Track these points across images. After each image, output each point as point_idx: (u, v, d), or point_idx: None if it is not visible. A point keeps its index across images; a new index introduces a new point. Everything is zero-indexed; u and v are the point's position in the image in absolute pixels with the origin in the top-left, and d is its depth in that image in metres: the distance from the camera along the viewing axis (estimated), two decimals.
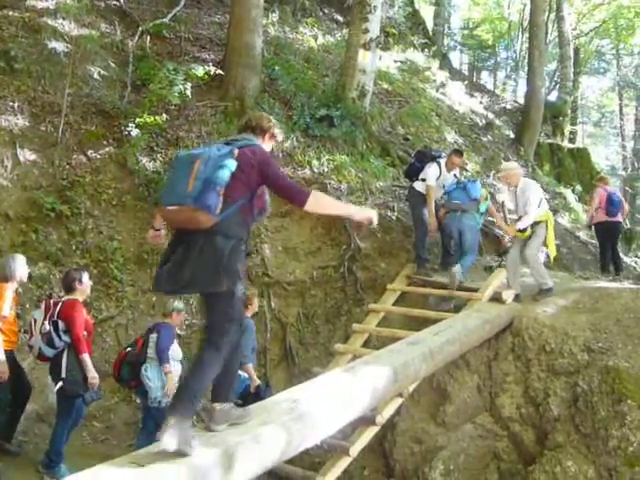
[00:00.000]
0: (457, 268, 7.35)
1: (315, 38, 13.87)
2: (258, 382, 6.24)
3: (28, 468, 5.43)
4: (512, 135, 15.67)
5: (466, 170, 10.66)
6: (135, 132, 8.03)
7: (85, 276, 5.67)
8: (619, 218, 9.71)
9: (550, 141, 16.94)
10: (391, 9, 15.73)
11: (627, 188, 22.56)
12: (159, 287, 3.38)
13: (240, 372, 5.55)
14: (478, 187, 7.85)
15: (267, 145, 3.66)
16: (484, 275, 7.97)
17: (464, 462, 6.15)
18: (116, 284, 7.29)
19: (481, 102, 17.37)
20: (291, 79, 10.83)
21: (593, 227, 10.04)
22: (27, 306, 6.51)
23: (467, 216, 7.71)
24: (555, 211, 11.18)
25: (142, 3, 11.49)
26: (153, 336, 5.73)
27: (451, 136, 13.09)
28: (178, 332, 6.15)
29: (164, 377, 5.63)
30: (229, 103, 9.55)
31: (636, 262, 11.85)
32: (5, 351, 5.22)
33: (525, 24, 22.91)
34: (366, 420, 5.71)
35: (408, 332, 6.54)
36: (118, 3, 10.90)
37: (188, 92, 8.48)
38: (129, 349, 5.86)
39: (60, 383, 5.31)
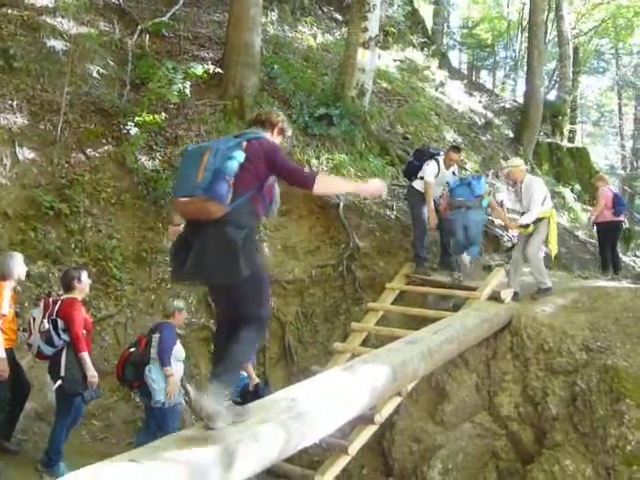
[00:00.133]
0: (466, 257, 7.50)
1: (314, 37, 13.87)
2: (257, 380, 6.24)
3: (27, 467, 5.43)
4: (511, 134, 15.68)
5: (464, 168, 10.66)
6: (134, 131, 8.02)
7: (84, 275, 5.66)
8: (622, 217, 9.83)
9: (549, 140, 16.94)
10: (390, 8, 15.74)
11: (626, 187, 22.57)
12: (179, 277, 3.52)
13: None
14: (482, 184, 7.86)
15: (275, 139, 3.73)
16: (483, 274, 7.98)
17: (463, 461, 6.16)
18: (115, 283, 7.29)
19: (480, 101, 17.37)
20: (290, 78, 10.83)
21: (595, 226, 10.07)
22: (26, 304, 6.51)
23: (473, 212, 7.72)
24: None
25: (141, 2, 11.46)
26: (156, 336, 5.69)
27: (450, 135, 13.09)
28: (178, 332, 6.13)
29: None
30: (228, 102, 9.55)
31: (634, 261, 11.87)
32: (5, 349, 5.22)
33: (524, 23, 22.92)
34: (365, 419, 5.72)
35: (407, 331, 6.55)
36: (117, 1, 10.87)
37: (187, 91, 8.48)
38: (132, 349, 5.81)
39: (59, 381, 5.31)
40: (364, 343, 7.36)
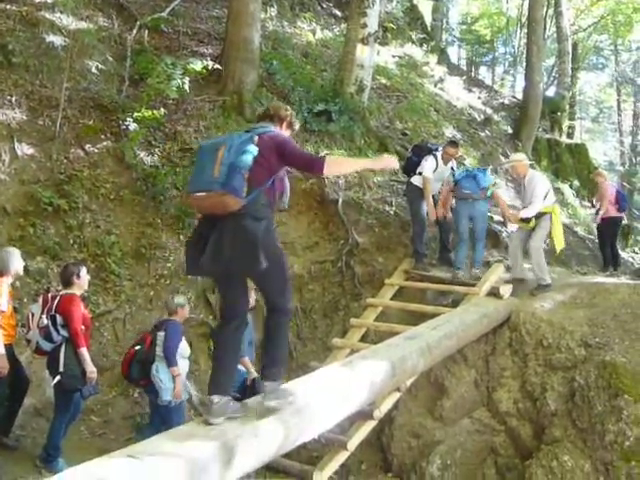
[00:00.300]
0: (476, 270, 7.68)
1: (313, 33, 13.86)
2: (255, 375, 6.23)
3: (26, 462, 5.42)
4: (510, 130, 15.68)
5: (463, 163, 10.65)
6: (133, 126, 8.01)
7: (83, 270, 5.64)
8: (623, 214, 9.94)
9: (548, 136, 16.94)
10: (389, 4, 15.74)
11: (625, 183, 22.56)
12: (195, 271, 3.71)
13: (238, 366, 5.54)
14: (488, 176, 7.87)
15: (284, 133, 3.81)
16: (482, 270, 7.97)
17: (461, 457, 6.16)
18: (114, 278, 7.28)
19: (479, 97, 17.36)
20: (289, 74, 10.82)
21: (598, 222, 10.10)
22: (25, 300, 6.49)
23: (480, 202, 7.74)
24: None
25: None
26: (161, 334, 5.64)
27: (449, 131, 13.08)
28: None
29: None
30: (227, 97, 9.55)
31: (633, 257, 11.88)
32: (4, 345, 5.20)
33: (523, 19, 22.91)
34: (364, 414, 5.72)
35: (406, 327, 6.53)
36: None
37: (186, 86, 8.45)
38: (137, 347, 5.77)
39: (58, 377, 5.29)
40: (363, 339, 7.35)
